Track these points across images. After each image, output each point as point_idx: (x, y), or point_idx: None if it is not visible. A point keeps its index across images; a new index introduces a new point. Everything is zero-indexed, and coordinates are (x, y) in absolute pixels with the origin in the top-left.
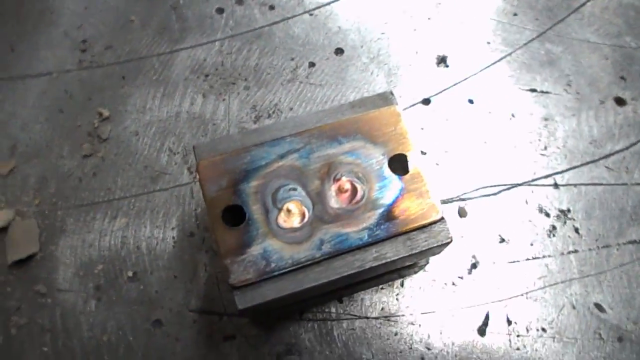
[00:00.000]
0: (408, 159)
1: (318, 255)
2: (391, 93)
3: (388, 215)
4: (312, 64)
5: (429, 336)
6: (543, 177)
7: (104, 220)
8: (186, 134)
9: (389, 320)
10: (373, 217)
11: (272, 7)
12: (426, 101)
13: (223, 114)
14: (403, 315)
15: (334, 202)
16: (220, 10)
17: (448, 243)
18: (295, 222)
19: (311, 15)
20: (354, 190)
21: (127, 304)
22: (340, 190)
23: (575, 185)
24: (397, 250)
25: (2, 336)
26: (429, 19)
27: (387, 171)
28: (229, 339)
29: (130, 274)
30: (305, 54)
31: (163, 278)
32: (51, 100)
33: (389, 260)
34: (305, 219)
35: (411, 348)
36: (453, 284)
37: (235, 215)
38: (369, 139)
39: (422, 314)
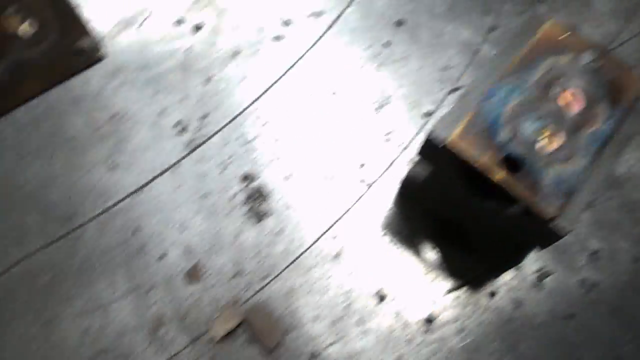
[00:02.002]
0: (594, 51)
1: (590, 159)
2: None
3: (612, 99)
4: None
5: None
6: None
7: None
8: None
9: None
10: (603, 106)
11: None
12: None
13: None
14: None
15: (571, 112)
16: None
17: None
18: (557, 142)
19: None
20: (579, 95)
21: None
22: (569, 101)
23: None
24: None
25: None
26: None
27: (587, 68)
28: (493, 295)
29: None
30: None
31: (408, 282)
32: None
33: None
34: (562, 136)
35: None
36: None
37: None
38: (555, 53)
39: None
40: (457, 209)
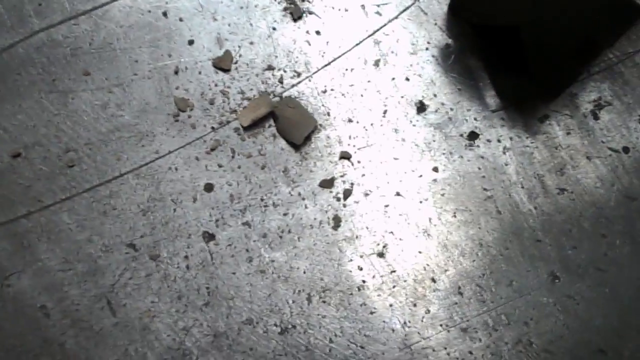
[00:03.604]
0: None
1: None
2: None
3: None
4: None
5: None
6: None
7: None
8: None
9: None
10: None
11: None
12: None
13: None
14: None
15: None
16: None
17: None
18: None
19: None
20: None
21: None
22: None
23: None
24: None
25: None
26: None
27: None
28: (543, 120)
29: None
30: None
31: (454, 93)
32: None
33: None
34: None
35: None
36: None
37: None
38: None
39: None
40: (517, 12)
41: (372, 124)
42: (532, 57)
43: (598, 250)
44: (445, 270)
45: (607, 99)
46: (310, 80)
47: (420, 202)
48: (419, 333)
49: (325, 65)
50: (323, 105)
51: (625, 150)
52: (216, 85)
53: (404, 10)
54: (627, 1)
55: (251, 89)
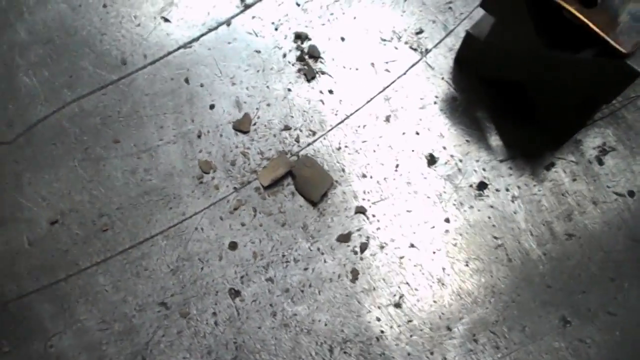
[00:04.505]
0: None
1: None
2: None
3: None
4: None
5: None
6: None
7: None
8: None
9: None
10: None
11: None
12: None
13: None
14: None
15: None
16: None
17: None
18: None
19: None
20: None
21: None
22: None
23: None
24: None
25: None
26: None
27: None
28: (549, 167)
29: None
30: None
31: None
32: None
33: None
34: None
35: None
36: None
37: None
38: None
39: None
40: (520, 69)
41: (385, 178)
42: (537, 107)
43: (607, 294)
44: (460, 319)
45: (612, 144)
46: (325, 139)
47: (434, 252)
48: None
49: (339, 123)
50: (338, 162)
51: (631, 194)
52: (237, 147)
53: (412, 67)
54: (623, 65)
55: (270, 149)
